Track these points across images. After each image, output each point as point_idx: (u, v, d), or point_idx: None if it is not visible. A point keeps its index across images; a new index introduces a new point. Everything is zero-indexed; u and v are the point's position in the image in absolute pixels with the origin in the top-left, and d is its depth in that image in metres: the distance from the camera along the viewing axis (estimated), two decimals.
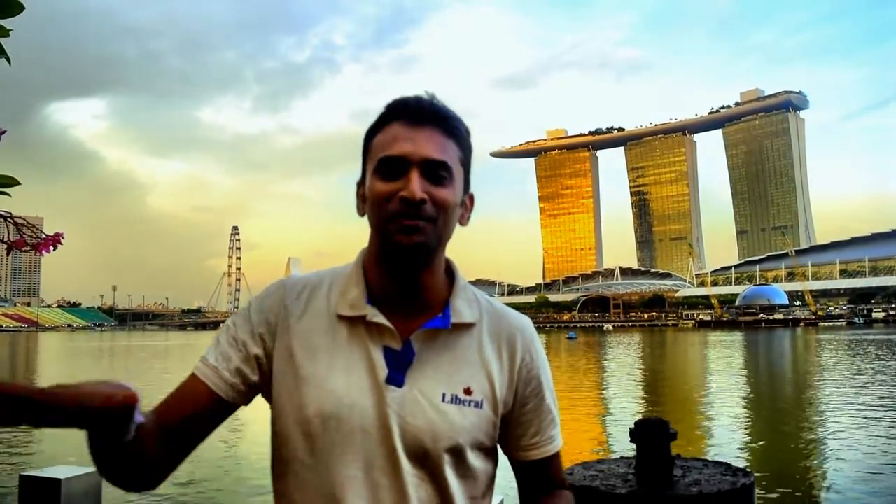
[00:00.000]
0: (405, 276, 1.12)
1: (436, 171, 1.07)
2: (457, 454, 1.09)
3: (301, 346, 1.11)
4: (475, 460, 1.12)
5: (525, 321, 1.24)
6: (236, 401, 1.12)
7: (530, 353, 1.20)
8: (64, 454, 10.80)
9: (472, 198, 1.18)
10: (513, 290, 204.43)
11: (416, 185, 1.04)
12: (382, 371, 1.09)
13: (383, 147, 1.08)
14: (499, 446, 1.19)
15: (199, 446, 1.12)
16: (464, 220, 1.16)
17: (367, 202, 1.11)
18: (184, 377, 1.13)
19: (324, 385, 1.08)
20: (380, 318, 1.10)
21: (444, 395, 1.10)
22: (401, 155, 1.06)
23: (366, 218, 1.13)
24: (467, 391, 1.12)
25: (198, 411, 1.09)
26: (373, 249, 1.15)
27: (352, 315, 1.12)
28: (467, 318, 1.15)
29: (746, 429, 13.59)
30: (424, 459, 1.07)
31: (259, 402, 1.18)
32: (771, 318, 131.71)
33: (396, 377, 1.09)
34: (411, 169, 1.06)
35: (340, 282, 1.16)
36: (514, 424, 1.18)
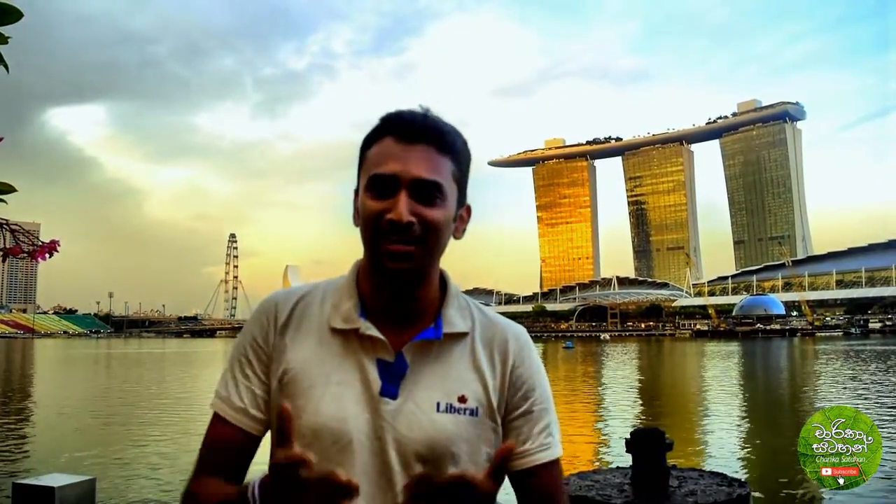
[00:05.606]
0: (397, 294, 1.13)
1: (427, 192, 1.06)
2: (454, 463, 1.08)
3: (296, 360, 1.12)
4: (474, 469, 1.07)
5: (518, 329, 1.23)
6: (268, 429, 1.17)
7: (521, 358, 1.19)
8: (57, 462, 10.75)
9: (468, 210, 1.17)
10: (510, 299, 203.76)
11: (403, 208, 1.04)
12: (376, 384, 1.10)
13: (375, 163, 1.08)
14: None
15: (194, 455, 1.17)
16: (458, 234, 1.15)
17: (359, 216, 1.12)
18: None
19: (318, 399, 1.09)
20: (373, 331, 1.11)
21: (438, 405, 1.10)
22: (391, 174, 1.06)
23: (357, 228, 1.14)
24: (462, 399, 1.12)
25: (243, 457, 1.14)
26: (365, 262, 1.16)
27: (345, 328, 1.13)
28: (459, 327, 1.16)
29: (743, 439, 13.55)
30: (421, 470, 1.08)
31: None
32: (768, 328, 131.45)
33: (390, 389, 1.10)
34: (400, 190, 1.05)
35: (334, 294, 1.17)
36: (505, 431, 1.17)
